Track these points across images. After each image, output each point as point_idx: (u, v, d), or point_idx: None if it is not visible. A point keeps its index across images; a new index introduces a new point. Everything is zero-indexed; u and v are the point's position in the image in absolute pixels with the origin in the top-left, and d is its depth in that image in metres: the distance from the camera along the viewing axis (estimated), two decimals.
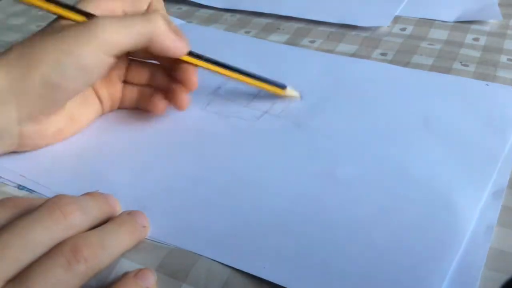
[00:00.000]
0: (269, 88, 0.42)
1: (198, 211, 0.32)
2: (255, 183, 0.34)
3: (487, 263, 0.28)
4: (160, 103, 0.39)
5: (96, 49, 0.33)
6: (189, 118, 0.41)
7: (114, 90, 0.40)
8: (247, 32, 0.55)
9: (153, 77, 0.40)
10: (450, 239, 0.30)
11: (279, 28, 0.55)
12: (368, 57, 0.49)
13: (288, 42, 0.52)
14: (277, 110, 0.41)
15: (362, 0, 0.59)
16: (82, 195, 0.30)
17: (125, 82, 0.40)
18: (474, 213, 0.31)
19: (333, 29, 0.54)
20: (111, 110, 0.41)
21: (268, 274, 0.28)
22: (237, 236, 0.30)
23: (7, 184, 0.35)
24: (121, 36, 0.34)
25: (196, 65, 0.38)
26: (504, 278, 0.21)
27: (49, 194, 0.33)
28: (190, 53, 0.38)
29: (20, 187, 0.34)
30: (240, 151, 0.37)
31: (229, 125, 0.40)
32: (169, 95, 0.39)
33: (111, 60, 0.34)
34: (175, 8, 0.61)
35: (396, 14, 0.56)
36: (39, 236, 0.25)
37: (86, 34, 0.33)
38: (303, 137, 0.38)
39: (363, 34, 0.53)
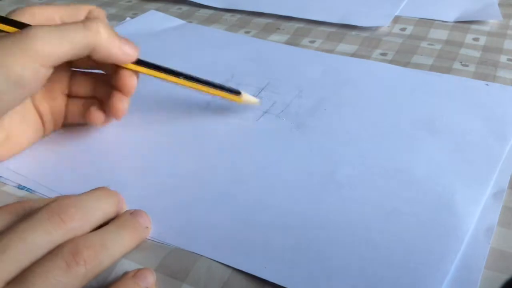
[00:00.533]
0: (225, 95, 0.39)
1: (199, 211, 0.32)
2: (255, 183, 0.34)
3: (487, 263, 0.28)
4: (96, 113, 0.37)
5: (30, 60, 0.31)
6: (190, 118, 0.41)
7: (57, 105, 0.37)
8: (247, 32, 0.55)
9: (97, 87, 0.38)
10: (451, 240, 0.30)
11: (279, 28, 0.55)
12: (368, 57, 0.49)
13: (288, 42, 0.52)
14: (277, 110, 0.41)
15: (362, 0, 0.59)
16: (88, 192, 0.29)
17: (69, 95, 0.38)
18: (475, 213, 0.31)
19: (333, 29, 0.54)
20: (55, 128, 0.39)
21: (268, 274, 0.28)
22: (238, 236, 0.30)
23: (7, 184, 0.35)
24: (56, 46, 0.31)
25: (141, 72, 0.36)
26: (504, 278, 0.21)
27: (50, 194, 0.33)
28: (137, 61, 0.36)
29: (20, 187, 0.34)
30: (240, 151, 0.37)
31: (229, 125, 0.40)
32: (107, 104, 0.37)
33: (47, 71, 0.32)
34: (175, 8, 0.61)
35: (396, 14, 0.56)
36: (39, 238, 0.25)
37: (18, 44, 0.31)
38: (303, 137, 0.38)
39: (363, 34, 0.53)
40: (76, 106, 0.38)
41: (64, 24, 0.33)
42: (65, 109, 0.38)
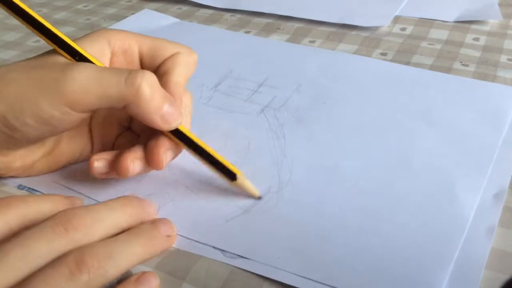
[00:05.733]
0: (219, 173, 0.33)
1: (204, 204, 0.33)
2: (257, 178, 0.34)
3: (487, 263, 0.28)
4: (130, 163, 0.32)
5: (60, 102, 0.29)
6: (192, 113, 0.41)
7: (110, 133, 0.36)
8: (247, 32, 0.55)
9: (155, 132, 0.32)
10: (453, 228, 0.30)
11: (279, 28, 0.55)
12: (368, 57, 0.49)
13: (288, 42, 0.52)
14: (277, 104, 0.41)
15: (362, 0, 0.59)
16: (105, 202, 0.29)
17: (129, 128, 0.36)
18: (475, 201, 0.32)
19: (333, 29, 0.54)
20: (104, 150, 0.34)
21: (282, 264, 0.28)
22: (248, 228, 0.31)
23: (7, 184, 0.34)
24: (88, 95, 0.29)
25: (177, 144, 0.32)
26: (504, 278, 0.21)
27: (51, 190, 0.33)
28: (177, 131, 0.32)
29: (20, 187, 0.34)
30: (241, 145, 0.37)
31: (231, 120, 0.40)
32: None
33: (80, 115, 0.30)
34: (175, 8, 0.61)
35: (396, 14, 0.56)
36: (40, 247, 0.25)
37: (55, 82, 0.29)
38: (304, 131, 0.39)
39: (363, 34, 0.53)
40: (126, 139, 0.35)
41: (111, 69, 0.31)
42: (115, 139, 0.36)
